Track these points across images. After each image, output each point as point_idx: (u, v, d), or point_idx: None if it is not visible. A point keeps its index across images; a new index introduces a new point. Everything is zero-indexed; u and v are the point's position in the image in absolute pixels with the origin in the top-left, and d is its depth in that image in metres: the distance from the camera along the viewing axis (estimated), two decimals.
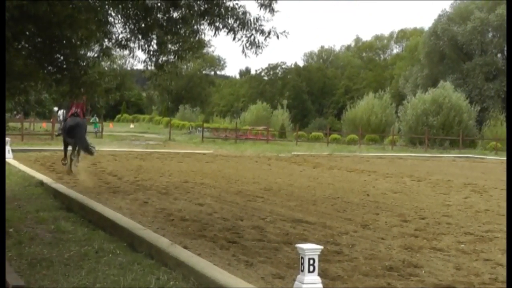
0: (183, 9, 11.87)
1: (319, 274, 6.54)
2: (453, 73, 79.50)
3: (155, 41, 12.44)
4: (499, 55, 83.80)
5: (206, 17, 11.78)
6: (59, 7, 10.02)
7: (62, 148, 23.00)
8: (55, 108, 63.03)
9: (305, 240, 9.87)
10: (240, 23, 11.62)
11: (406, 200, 17.13)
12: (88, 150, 21.48)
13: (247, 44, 11.75)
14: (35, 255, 8.92)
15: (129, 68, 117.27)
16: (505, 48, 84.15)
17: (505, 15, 73.98)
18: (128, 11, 11.73)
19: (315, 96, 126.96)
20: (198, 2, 11.81)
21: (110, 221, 11.25)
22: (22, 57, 11.54)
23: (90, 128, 58.63)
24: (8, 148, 25.14)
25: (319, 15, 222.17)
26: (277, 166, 28.63)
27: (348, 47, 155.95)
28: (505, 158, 44.16)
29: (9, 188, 15.55)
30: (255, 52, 11.84)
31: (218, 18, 11.65)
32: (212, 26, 11.83)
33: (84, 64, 12.18)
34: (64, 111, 23.36)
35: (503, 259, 9.66)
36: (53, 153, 29.84)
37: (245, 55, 11.86)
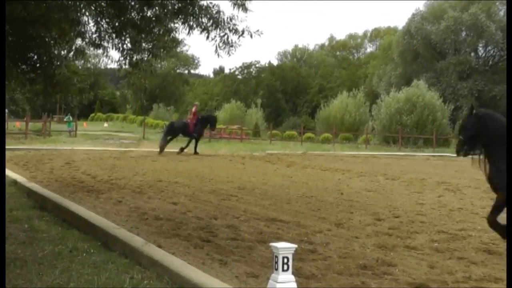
0: (156, 8, 11.89)
1: (293, 273, 6.53)
2: (427, 72, 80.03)
3: (129, 40, 12.44)
4: (472, 54, 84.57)
5: (179, 16, 11.81)
6: (32, 6, 9.99)
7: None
8: None
9: (279, 239, 9.86)
10: (214, 22, 11.65)
11: (380, 198, 17.17)
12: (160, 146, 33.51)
13: (221, 44, 11.79)
14: (9, 255, 8.86)
15: (103, 67, 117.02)
16: (479, 47, 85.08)
17: (478, 14, 74.64)
18: (102, 10, 11.72)
19: (289, 95, 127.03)
20: (172, 1, 11.83)
21: (84, 220, 11.24)
22: None
23: (64, 127, 58.68)
24: None
25: (293, 14, 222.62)
26: (251, 165, 28.59)
27: (322, 46, 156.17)
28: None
29: None
30: (228, 52, 11.90)
31: (191, 17, 11.67)
32: (186, 25, 11.86)
33: (58, 63, 12.15)
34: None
35: (476, 257, 9.74)
36: (26, 152, 29.70)
37: (218, 55, 11.92)
